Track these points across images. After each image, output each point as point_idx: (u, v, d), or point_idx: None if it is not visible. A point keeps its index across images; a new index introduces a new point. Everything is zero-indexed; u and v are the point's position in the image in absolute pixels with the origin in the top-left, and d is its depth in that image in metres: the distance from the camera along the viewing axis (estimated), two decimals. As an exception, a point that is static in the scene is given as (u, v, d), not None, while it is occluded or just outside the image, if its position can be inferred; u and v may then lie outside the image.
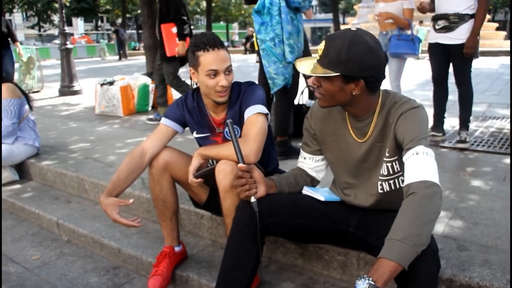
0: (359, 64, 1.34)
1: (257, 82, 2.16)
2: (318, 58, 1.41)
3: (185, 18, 4.30)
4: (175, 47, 4.30)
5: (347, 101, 1.44)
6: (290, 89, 3.08)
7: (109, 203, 1.72)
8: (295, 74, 3.05)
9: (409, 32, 3.71)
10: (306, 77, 4.07)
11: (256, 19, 2.95)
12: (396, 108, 1.44)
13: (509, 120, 4.20)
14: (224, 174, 1.61)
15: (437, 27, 3.32)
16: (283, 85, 2.97)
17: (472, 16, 3.21)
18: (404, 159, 1.36)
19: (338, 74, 1.35)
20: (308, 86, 4.09)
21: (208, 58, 1.68)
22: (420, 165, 1.30)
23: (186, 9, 4.40)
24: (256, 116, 1.72)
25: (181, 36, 4.27)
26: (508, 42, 16.25)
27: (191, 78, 1.83)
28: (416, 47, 3.65)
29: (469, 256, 1.71)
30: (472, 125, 3.84)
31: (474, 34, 3.18)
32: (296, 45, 2.94)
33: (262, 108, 1.75)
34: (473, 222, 2.03)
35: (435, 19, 3.37)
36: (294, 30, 2.91)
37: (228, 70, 1.72)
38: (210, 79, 1.70)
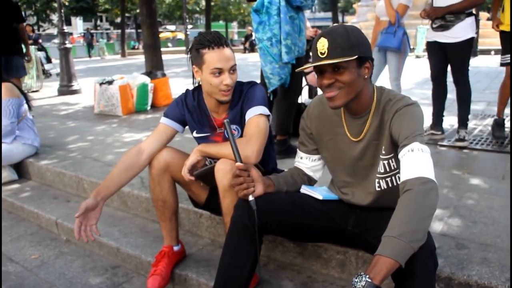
0: (366, 45, 1.41)
1: (258, 81, 2.15)
2: (323, 56, 1.37)
3: None
4: None
5: (360, 90, 1.43)
6: (292, 89, 3.05)
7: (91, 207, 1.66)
8: (298, 74, 3.01)
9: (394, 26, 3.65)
10: (305, 74, 4.06)
11: (255, 18, 2.93)
12: (391, 106, 1.45)
13: (508, 118, 4.20)
14: (223, 173, 1.61)
15: (434, 25, 3.32)
16: (278, 85, 2.95)
17: (468, 14, 3.21)
18: (399, 156, 1.36)
19: (356, 56, 1.35)
20: (308, 84, 4.06)
21: (213, 56, 1.67)
22: (416, 162, 1.30)
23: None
24: (257, 117, 1.72)
25: None
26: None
27: (193, 77, 1.81)
28: (397, 41, 3.53)
29: (467, 255, 1.71)
30: (471, 124, 3.84)
31: (446, 9, 3.18)
32: (296, 45, 2.91)
33: (264, 110, 1.75)
34: (472, 220, 2.03)
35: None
36: (295, 29, 2.88)
37: (233, 69, 1.72)
38: (214, 78, 1.69)
